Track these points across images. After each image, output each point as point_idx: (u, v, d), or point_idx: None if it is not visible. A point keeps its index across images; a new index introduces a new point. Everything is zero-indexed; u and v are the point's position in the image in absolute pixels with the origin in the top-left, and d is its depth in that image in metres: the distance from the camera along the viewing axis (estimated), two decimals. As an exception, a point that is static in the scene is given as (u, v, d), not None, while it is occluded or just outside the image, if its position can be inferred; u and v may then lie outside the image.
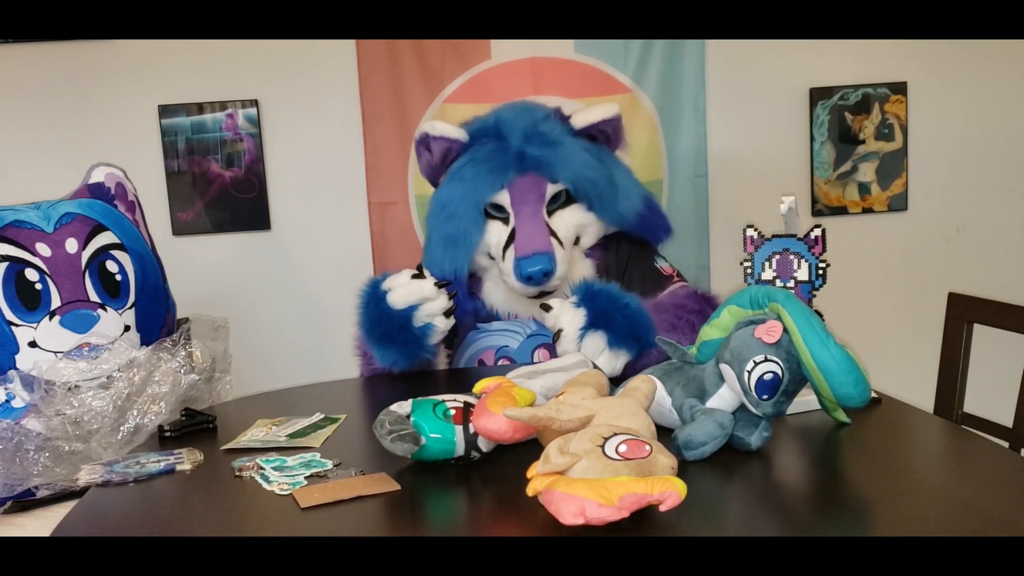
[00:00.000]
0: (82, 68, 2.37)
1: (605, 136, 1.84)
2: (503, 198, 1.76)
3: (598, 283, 1.57)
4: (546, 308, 1.56)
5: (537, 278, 1.70)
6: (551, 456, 0.96)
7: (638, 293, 1.64)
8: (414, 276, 1.56)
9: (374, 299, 1.58)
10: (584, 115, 1.83)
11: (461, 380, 1.65)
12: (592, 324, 1.50)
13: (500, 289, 1.81)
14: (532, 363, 1.62)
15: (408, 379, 1.65)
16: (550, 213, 1.78)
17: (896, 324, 2.54)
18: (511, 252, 1.72)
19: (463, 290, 1.79)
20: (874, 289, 2.54)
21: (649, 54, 2.42)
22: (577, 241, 1.81)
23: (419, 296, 1.55)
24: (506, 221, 1.77)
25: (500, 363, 1.76)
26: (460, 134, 1.81)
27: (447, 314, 1.59)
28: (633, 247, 1.87)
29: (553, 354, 1.67)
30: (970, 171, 2.51)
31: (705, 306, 1.67)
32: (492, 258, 1.79)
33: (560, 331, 1.51)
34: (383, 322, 1.57)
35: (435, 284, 1.56)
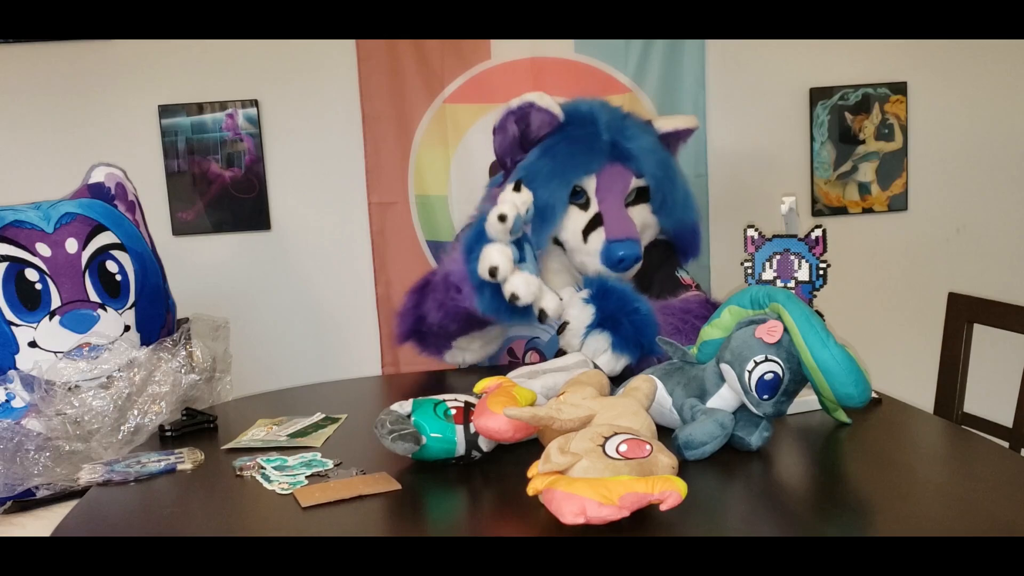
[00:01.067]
0: (82, 68, 2.37)
1: (674, 146, 1.90)
2: (589, 184, 1.77)
3: (612, 280, 1.56)
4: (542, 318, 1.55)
5: (628, 262, 1.71)
6: (552, 456, 0.96)
7: (655, 297, 1.65)
8: (501, 217, 1.48)
9: (490, 286, 1.55)
10: (670, 121, 1.88)
11: (462, 380, 1.65)
12: (599, 324, 1.50)
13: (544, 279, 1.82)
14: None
15: (408, 379, 1.65)
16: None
17: (896, 324, 2.54)
18: (597, 235, 1.73)
19: (534, 267, 1.75)
20: (874, 289, 2.54)
21: (649, 54, 2.42)
22: None
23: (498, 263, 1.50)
24: (583, 207, 1.77)
25: (529, 355, 1.77)
26: (560, 112, 1.80)
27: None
28: (662, 254, 1.89)
29: None
30: (970, 171, 2.51)
31: (712, 312, 1.67)
32: (558, 243, 1.79)
33: (566, 324, 1.51)
34: (507, 308, 1.54)
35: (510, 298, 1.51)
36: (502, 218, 1.45)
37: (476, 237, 1.55)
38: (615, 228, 1.72)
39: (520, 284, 1.49)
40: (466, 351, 1.81)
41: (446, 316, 1.67)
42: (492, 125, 1.85)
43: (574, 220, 1.77)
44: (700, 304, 1.72)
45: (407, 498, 1.06)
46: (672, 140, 1.89)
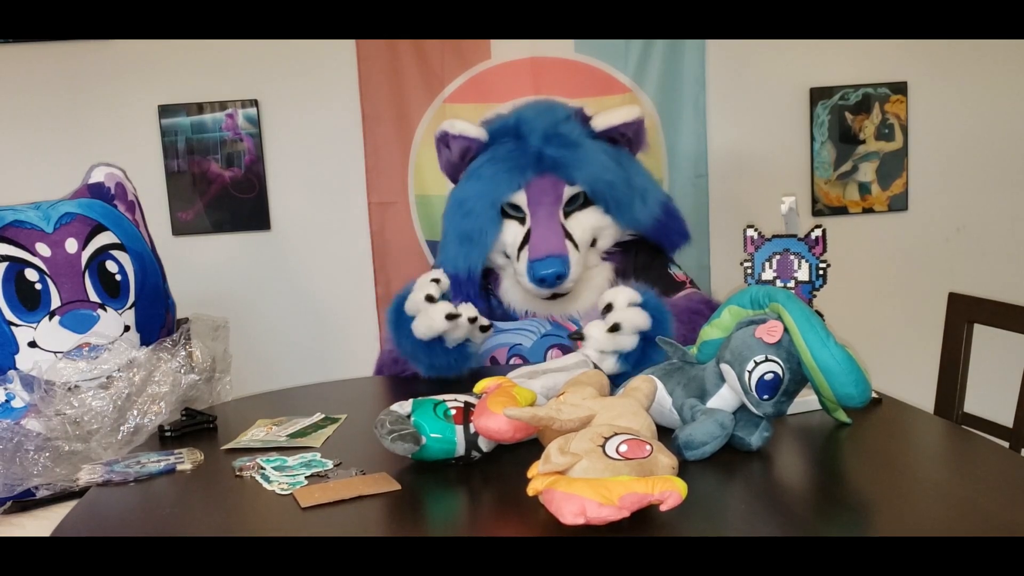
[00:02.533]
0: (82, 68, 2.37)
1: (626, 139, 1.84)
2: (520, 198, 1.76)
3: (661, 307, 1.49)
4: (577, 336, 1.49)
5: (550, 280, 1.70)
6: (552, 456, 0.96)
7: None
8: (427, 297, 1.54)
9: (403, 324, 1.58)
10: (605, 117, 1.82)
11: (462, 380, 1.65)
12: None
13: (517, 288, 1.81)
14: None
15: (409, 379, 1.65)
16: (567, 215, 1.78)
17: (896, 324, 2.54)
18: (525, 253, 1.73)
19: (475, 289, 1.78)
20: (874, 289, 2.54)
21: (649, 54, 2.42)
22: (594, 243, 1.81)
23: (437, 331, 1.53)
24: (523, 221, 1.77)
25: (512, 361, 1.76)
26: (479, 133, 1.81)
27: (482, 329, 1.61)
28: (650, 252, 1.88)
29: (567, 352, 1.67)
30: (970, 171, 2.51)
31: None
32: (508, 257, 1.80)
33: (610, 305, 1.45)
34: (421, 349, 1.57)
35: (446, 316, 1.52)
36: (429, 299, 1.54)
37: (395, 312, 1.61)
38: (538, 246, 1.71)
39: (421, 331, 1.54)
40: None
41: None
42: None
43: (511, 235, 1.77)
44: (705, 303, 1.71)
45: (407, 498, 1.06)
46: (621, 136, 1.83)
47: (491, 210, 1.76)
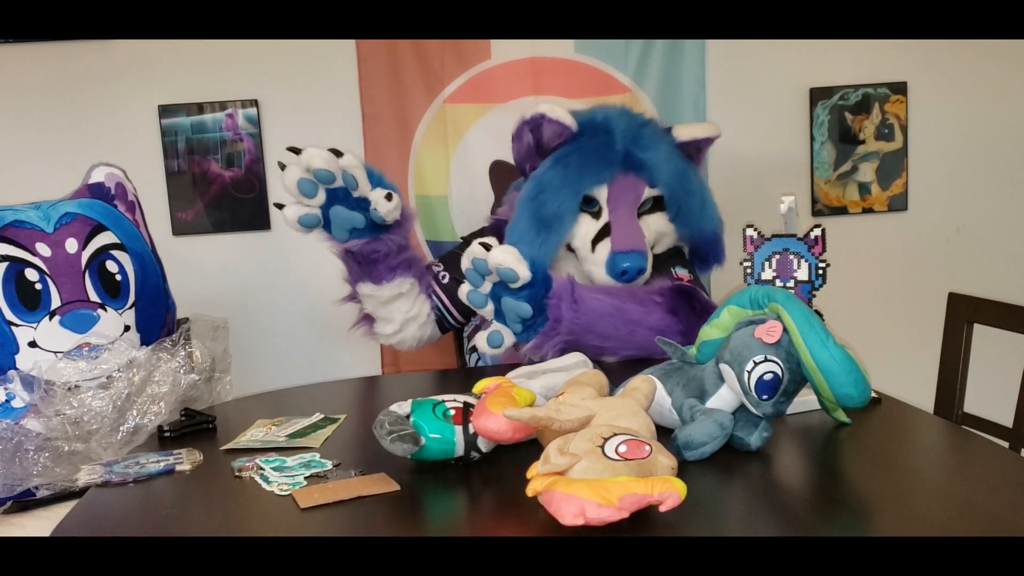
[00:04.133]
0: (82, 68, 2.37)
1: (698, 154, 1.90)
2: (601, 193, 1.78)
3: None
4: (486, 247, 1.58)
5: (632, 273, 1.73)
6: (551, 456, 0.96)
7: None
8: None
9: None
10: (689, 129, 1.89)
11: (462, 381, 1.65)
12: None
13: None
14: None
15: (408, 379, 1.65)
16: (638, 216, 1.81)
17: (896, 324, 2.54)
18: (604, 245, 1.75)
19: (544, 274, 1.74)
20: (874, 289, 2.53)
21: (649, 54, 2.42)
22: (652, 247, 1.84)
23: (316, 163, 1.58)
24: (595, 216, 1.79)
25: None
26: (573, 122, 1.82)
27: (387, 196, 1.63)
28: (667, 252, 1.90)
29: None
30: (970, 171, 2.51)
31: (679, 301, 1.68)
32: (571, 250, 1.81)
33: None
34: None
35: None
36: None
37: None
38: (621, 239, 1.74)
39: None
40: (390, 319, 1.82)
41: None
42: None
43: (585, 228, 1.79)
44: (674, 290, 1.73)
45: (406, 499, 1.06)
46: (692, 149, 1.89)
47: (573, 199, 1.77)
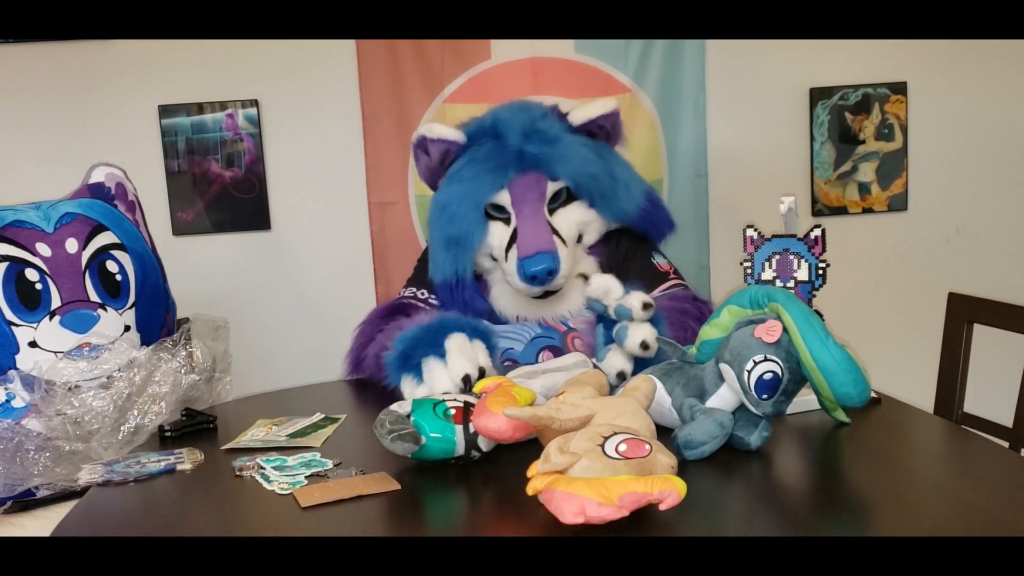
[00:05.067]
0: (82, 68, 2.37)
1: (604, 132, 1.82)
2: (503, 198, 1.75)
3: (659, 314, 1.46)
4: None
5: (541, 277, 1.68)
6: (551, 455, 0.96)
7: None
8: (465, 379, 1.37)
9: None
10: (582, 111, 1.81)
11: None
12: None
13: (507, 292, 1.80)
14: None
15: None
16: (551, 211, 1.76)
17: (896, 324, 2.54)
18: (514, 252, 1.71)
19: (473, 290, 1.77)
20: (874, 289, 2.54)
21: (649, 54, 2.42)
22: (580, 239, 1.80)
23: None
24: (507, 221, 1.75)
25: (505, 365, 1.75)
26: (457, 135, 1.80)
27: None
28: (632, 242, 1.86)
29: (558, 355, 1.66)
30: (970, 171, 2.51)
31: (705, 312, 1.65)
32: (495, 259, 1.78)
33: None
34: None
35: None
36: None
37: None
38: (526, 243, 1.70)
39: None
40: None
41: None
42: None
43: (497, 236, 1.76)
44: (689, 301, 1.70)
45: (407, 498, 1.06)
46: (597, 129, 1.81)
47: (475, 212, 1.74)
